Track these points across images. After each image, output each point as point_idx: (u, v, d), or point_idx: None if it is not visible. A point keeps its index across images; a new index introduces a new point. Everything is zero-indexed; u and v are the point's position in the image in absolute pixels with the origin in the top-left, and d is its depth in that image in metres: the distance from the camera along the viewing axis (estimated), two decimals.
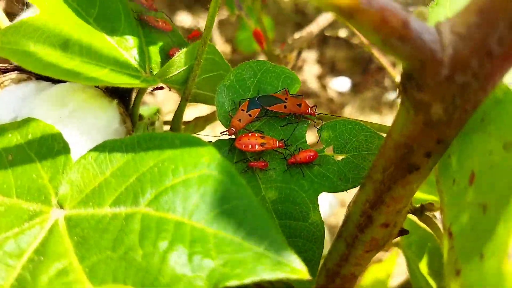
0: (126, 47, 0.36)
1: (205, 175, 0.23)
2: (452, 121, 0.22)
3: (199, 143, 0.25)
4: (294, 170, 0.34)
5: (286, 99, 0.36)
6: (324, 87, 1.65)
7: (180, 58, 0.36)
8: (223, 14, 1.94)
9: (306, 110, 0.36)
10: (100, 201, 0.24)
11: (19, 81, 0.41)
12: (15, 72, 0.42)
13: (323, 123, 0.35)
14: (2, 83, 0.41)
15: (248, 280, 0.19)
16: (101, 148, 0.26)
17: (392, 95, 1.61)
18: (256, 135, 0.34)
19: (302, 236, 0.32)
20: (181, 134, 0.26)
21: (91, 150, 0.26)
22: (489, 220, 0.16)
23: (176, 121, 0.41)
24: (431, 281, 0.46)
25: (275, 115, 0.36)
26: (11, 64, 0.43)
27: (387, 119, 1.54)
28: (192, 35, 0.44)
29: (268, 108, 0.35)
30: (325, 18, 0.96)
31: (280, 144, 0.34)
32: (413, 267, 0.43)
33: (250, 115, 0.35)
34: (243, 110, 0.35)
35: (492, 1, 0.20)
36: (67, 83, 0.37)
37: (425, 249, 0.49)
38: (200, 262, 0.20)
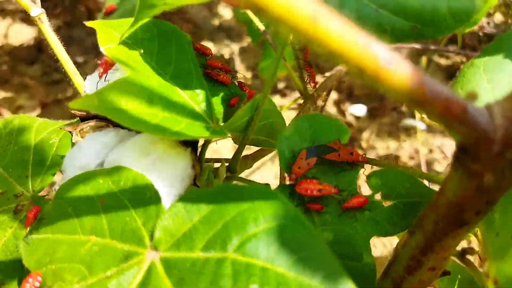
0: (197, 101, 0.41)
1: (283, 225, 0.27)
2: (501, 188, 0.26)
3: (273, 195, 0.29)
4: (347, 214, 0.38)
5: (339, 148, 0.40)
6: (343, 112, 1.69)
7: (244, 111, 0.40)
8: (246, 41, 2.01)
9: (358, 158, 0.40)
10: (192, 245, 0.28)
11: (97, 128, 0.46)
12: (94, 120, 0.47)
13: (371, 170, 0.39)
14: (82, 129, 0.46)
15: None
16: (189, 197, 0.31)
17: (409, 121, 1.63)
18: (314, 181, 0.38)
19: (356, 275, 0.36)
20: (256, 186, 0.30)
21: (180, 199, 0.31)
22: None
23: (234, 163, 0.45)
24: None
25: (330, 163, 0.40)
26: (89, 112, 0.48)
27: (404, 144, 1.56)
28: (250, 93, 0.49)
29: (324, 157, 0.39)
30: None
31: (335, 190, 0.38)
32: None
33: (308, 164, 0.39)
34: (301, 158, 0.39)
35: None
36: (143, 134, 0.41)
37: (455, 281, 0.51)
38: None
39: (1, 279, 0.46)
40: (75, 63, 0.55)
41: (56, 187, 0.46)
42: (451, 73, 1.40)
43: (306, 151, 0.39)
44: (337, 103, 1.72)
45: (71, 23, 1.97)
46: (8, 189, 0.52)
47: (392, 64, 0.21)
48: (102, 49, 0.39)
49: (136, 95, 0.36)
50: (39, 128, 0.59)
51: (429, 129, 1.54)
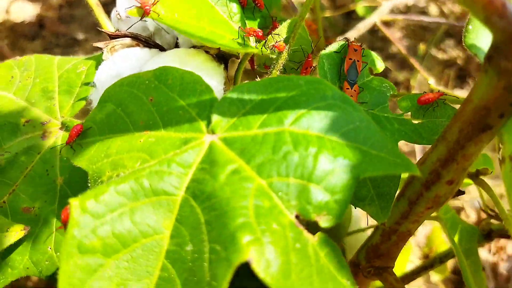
0: (235, 21, 0.43)
1: (331, 104, 0.30)
2: None
3: (321, 81, 0.31)
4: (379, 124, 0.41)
5: (354, 60, 0.44)
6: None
7: (281, 30, 0.43)
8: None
9: (360, 50, 0.44)
10: (249, 126, 0.31)
11: (127, 46, 0.47)
12: (125, 38, 0.48)
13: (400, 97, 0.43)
14: (113, 47, 0.47)
15: (377, 173, 0.26)
16: (239, 89, 0.33)
17: None
18: None
19: None
20: (304, 76, 0.32)
21: (232, 90, 0.33)
22: None
23: None
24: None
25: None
26: (119, 32, 0.49)
27: None
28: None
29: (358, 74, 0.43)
30: (363, 25, 1.05)
31: None
32: (451, 235, 0.49)
33: (355, 90, 0.43)
34: (347, 88, 0.42)
35: None
36: (181, 48, 0.43)
37: (457, 229, 0.55)
38: (343, 162, 0.27)
39: (31, 201, 0.47)
40: (75, 40, 0.56)
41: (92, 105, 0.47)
42: (447, 66, 1.45)
43: (347, 82, 0.43)
44: None
45: (72, 2, 1.97)
46: (34, 118, 0.53)
47: None
48: None
49: (186, 10, 0.38)
50: (60, 62, 0.59)
51: None
